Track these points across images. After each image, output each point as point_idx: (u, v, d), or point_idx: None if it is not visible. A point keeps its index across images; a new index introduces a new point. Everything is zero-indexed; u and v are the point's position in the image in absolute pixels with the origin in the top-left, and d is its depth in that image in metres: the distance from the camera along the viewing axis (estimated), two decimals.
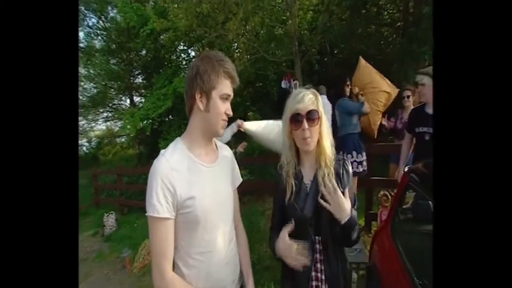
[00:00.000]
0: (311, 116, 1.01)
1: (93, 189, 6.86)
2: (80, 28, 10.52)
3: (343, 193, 1.00)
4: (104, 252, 4.29)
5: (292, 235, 1.01)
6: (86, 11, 10.25)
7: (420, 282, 1.17)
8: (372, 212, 3.17)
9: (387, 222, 1.67)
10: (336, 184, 1.01)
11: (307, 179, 1.09)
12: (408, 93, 3.39)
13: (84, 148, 13.47)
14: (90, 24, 10.64)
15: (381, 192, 2.96)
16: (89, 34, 10.71)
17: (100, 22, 10.57)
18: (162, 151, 0.94)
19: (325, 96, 4.49)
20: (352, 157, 3.09)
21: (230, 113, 0.97)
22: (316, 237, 1.04)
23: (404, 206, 1.61)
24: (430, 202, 1.27)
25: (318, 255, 1.03)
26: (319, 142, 1.06)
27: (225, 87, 0.94)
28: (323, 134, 1.05)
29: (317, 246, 1.03)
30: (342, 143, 3.14)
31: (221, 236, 0.98)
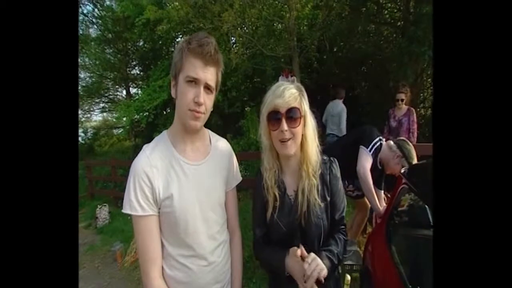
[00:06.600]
0: (292, 115, 0.86)
1: (87, 180, 6.74)
2: None
3: (330, 203, 0.94)
4: (96, 244, 4.25)
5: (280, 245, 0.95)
6: None
7: None
8: None
9: (382, 225, 1.65)
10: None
11: (291, 190, 0.96)
12: (402, 96, 3.42)
13: (80, 139, 13.08)
14: (85, 11, 10.35)
15: None
16: (84, 22, 10.37)
17: (96, 10, 10.29)
18: (144, 146, 0.88)
19: (340, 101, 4.34)
20: None
21: (200, 100, 0.81)
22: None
23: (399, 209, 1.59)
24: (426, 206, 1.26)
25: None
26: (302, 147, 0.91)
27: (191, 68, 0.80)
28: (308, 138, 0.90)
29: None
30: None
31: (205, 241, 0.92)
